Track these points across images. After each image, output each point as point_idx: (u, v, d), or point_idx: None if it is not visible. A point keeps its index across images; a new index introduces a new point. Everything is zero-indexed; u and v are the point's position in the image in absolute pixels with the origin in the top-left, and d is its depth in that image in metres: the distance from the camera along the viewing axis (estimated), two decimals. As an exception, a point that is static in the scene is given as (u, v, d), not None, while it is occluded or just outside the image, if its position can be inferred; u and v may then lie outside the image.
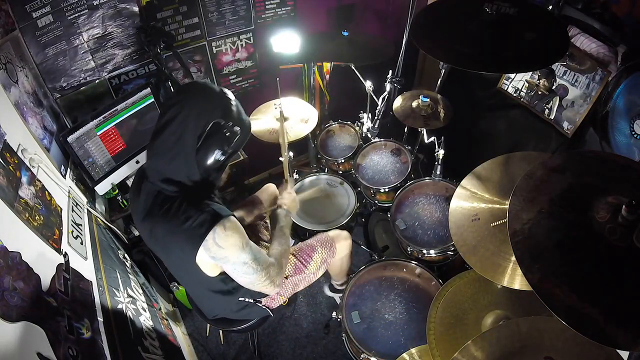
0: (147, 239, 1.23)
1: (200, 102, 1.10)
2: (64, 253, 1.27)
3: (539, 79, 1.87)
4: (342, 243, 1.69)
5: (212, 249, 1.08)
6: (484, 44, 1.38)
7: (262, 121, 2.04)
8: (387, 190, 1.95)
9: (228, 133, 1.10)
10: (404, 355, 1.34)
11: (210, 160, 1.11)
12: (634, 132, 1.47)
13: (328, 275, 2.08)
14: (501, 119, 2.21)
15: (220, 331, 2.06)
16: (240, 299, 1.42)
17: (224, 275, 1.30)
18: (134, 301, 1.63)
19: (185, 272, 1.31)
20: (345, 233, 1.75)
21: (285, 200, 1.52)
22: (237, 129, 1.13)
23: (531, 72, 1.90)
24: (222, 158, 1.13)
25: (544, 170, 0.96)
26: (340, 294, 2.11)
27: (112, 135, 1.80)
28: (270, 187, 1.90)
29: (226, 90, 1.17)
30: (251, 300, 1.45)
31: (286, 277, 1.55)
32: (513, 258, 1.10)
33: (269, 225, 1.78)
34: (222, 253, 1.10)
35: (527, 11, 1.44)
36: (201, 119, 1.07)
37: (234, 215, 1.14)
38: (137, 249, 1.99)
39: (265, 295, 1.49)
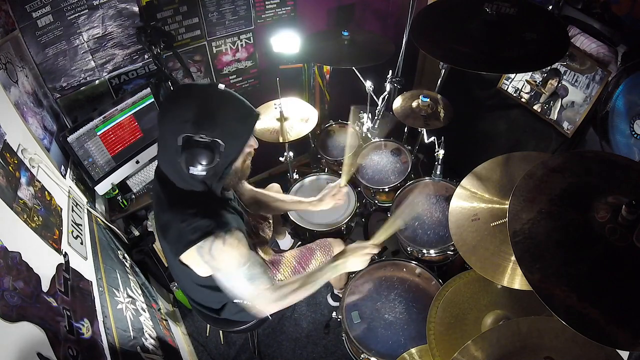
0: (155, 222, 1.24)
1: (170, 115, 1.03)
2: (64, 253, 1.27)
3: (543, 81, 1.86)
4: (336, 249, 1.69)
5: (205, 256, 1.05)
6: (484, 44, 1.38)
7: (262, 121, 2.04)
8: (387, 190, 1.95)
9: (203, 146, 0.98)
10: (404, 355, 1.34)
11: (195, 175, 1.02)
12: (634, 132, 1.47)
13: (330, 286, 2.08)
14: (501, 119, 2.21)
15: (220, 331, 2.06)
16: (235, 301, 1.38)
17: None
18: (134, 301, 1.63)
19: (176, 266, 1.24)
20: (339, 240, 1.75)
21: (357, 259, 1.31)
22: (218, 140, 0.99)
23: (531, 73, 1.90)
24: (203, 174, 1.02)
25: (544, 170, 0.95)
26: None
27: (121, 131, 1.81)
28: (275, 186, 1.90)
29: (209, 93, 1.04)
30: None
31: None
32: (513, 258, 1.10)
33: (272, 224, 1.79)
34: (214, 264, 1.07)
35: (527, 11, 1.44)
36: (173, 134, 1.00)
37: (243, 232, 1.10)
38: (137, 249, 1.99)
39: None
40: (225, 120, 1.02)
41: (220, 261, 1.06)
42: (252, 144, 1.14)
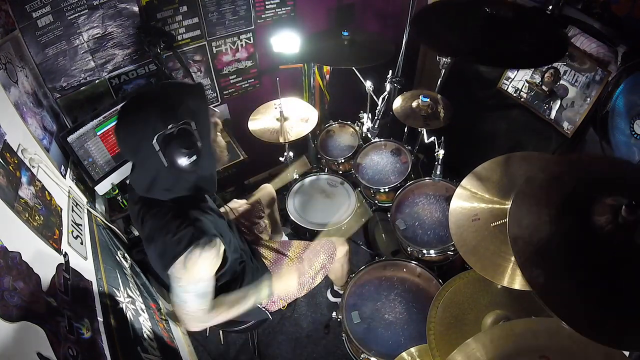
0: (139, 230, 1.23)
1: (134, 128, 1.02)
2: (64, 253, 1.27)
3: (542, 77, 1.86)
4: (339, 249, 1.69)
5: (177, 266, 1.03)
6: (485, 40, 1.38)
7: (262, 121, 2.04)
8: (387, 190, 1.95)
9: (178, 134, 1.00)
10: (404, 354, 1.34)
11: (185, 167, 1.03)
12: (634, 132, 1.47)
13: (329, 282, 2.08)
14: (501, 119, 2.21)
15: (220, 331, 2.06)
16: None
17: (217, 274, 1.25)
18: (133, 301, 1.63)
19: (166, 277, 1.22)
20: (342, 240, 1.76)
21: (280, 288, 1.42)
22: (187, 121, 1.01)
23: (531, 72, 1.90)
24: (192, 160, 1.03)
25: (544, 175, 0.95)
26: None
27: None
28: (267, 187, 1.90)
29: (156, 90, 1.09)
30: None
31: None
32: (513, 258, 1.10)
33: (268, 224, 1.79)
34: (181, 274, 1.05)
35: (524, 15, 1.44)
36: (147, 141, 1.00)
37: (221, 238, 1.10)
38: (137, 249, 1.98)
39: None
40: (181, 103, 1.03)
41: (190, 271, 1.04)
42: (212, 112, 1.15)
